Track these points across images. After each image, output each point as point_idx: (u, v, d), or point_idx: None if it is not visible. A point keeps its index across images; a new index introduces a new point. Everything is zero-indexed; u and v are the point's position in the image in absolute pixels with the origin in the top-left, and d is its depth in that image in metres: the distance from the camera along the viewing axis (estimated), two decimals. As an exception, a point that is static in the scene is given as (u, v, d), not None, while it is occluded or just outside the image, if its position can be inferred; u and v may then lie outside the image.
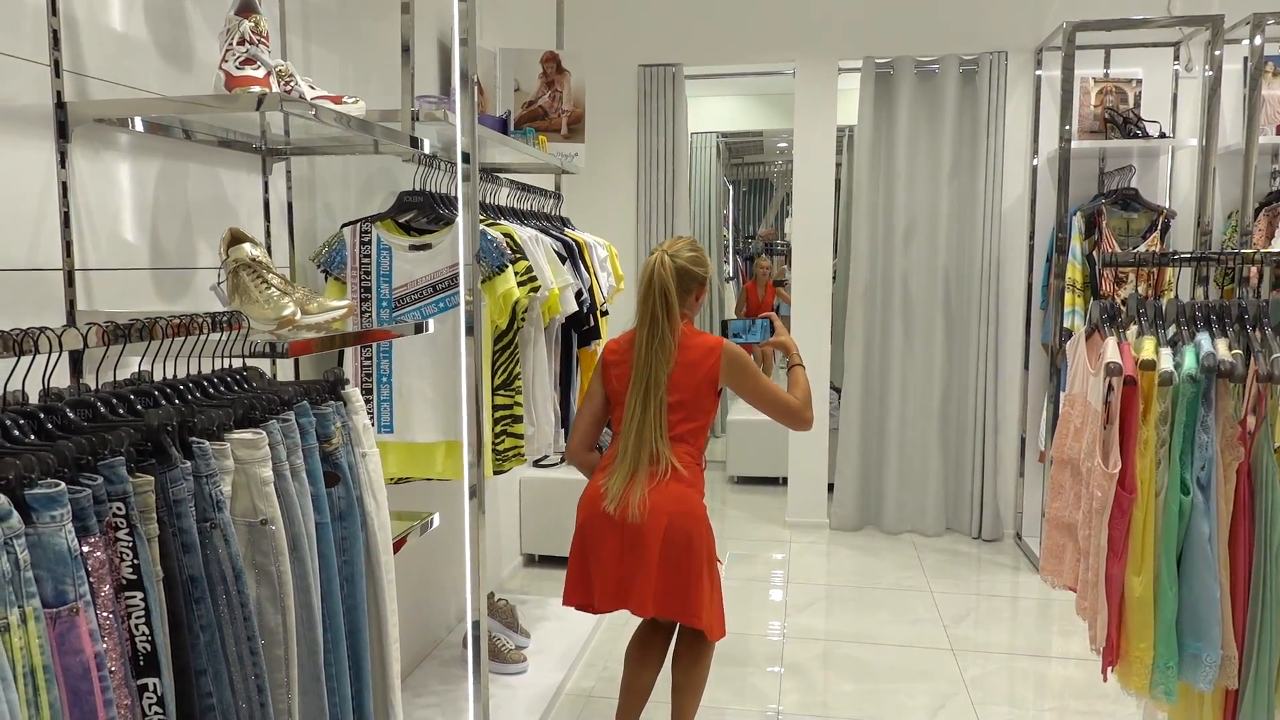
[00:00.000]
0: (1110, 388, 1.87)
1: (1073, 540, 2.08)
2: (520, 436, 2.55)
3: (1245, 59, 3.72)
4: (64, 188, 1.56)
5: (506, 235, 2.43)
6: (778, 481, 5.49)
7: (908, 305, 4.63)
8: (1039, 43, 4.33)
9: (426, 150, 2.21)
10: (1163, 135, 4.18)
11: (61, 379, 1.42)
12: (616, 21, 4.66)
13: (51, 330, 1.11)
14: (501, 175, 3.14)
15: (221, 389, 1.41)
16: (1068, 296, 4.02)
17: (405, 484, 2.48)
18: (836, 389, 4.95)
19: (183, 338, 1.32)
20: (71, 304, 1.57)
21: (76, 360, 1.51)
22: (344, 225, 2.34)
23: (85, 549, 1.01)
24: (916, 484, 4.67)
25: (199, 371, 1.40)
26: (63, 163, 1.55)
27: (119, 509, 1.06)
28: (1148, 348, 1.88)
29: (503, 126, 3.27)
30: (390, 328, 1.99)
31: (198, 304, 1.92)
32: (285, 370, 2.22)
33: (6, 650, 0.91)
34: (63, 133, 1.55)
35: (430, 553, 3.16)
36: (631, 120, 4.69)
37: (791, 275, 4.79)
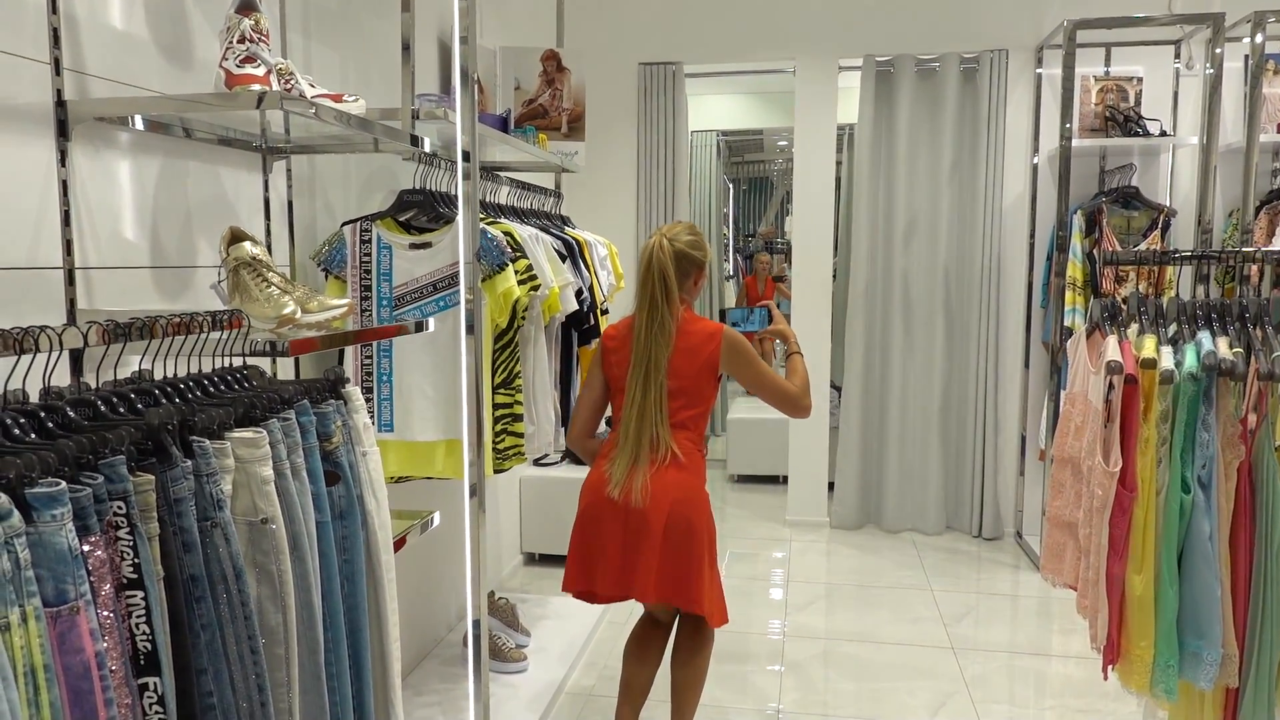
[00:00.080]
0: (1111, 386, 1.87)
1: (1073, 539, 2.08)
2: (520, 435, 2.55)
3: (1246, 57, 3.72)
4: (64, 186, 1.56)
5: (507, 234, 2.43)
6: (778, 480, 5.49)
7: (908, 303, 4.63)
8: (1040, 41, 4.33)
9: (427, 148, 2.20)
10: (1163, 133, 4.18)
11: (62, 378, 1.42)
12: (617, 20, 4.66)
13: (52, 329, 1.11)
14: (502, 174, 3.14)
15: (222, 388, 1.41)
16: (1068, 295, 4.02)
17: (405, 483, 2.48)
18: (837, 388, 4.95)
19: (183, 336, 1.32)
20: (72, 303, 1.57)
21: (77, 359, 1.51)
22: (344, 224, 2.34)
23: (86, 548, 1.01)
24: (917, 482, 4.67)
25: (199, 370, 1.40)
26: (63, 161, 1.55)
27: (119, 508, 1.06)
28: (1148, 346, 1.88)
29: (503, 125, 3.27)
30: (390, 326, 1.99)
31: (198, 302, 1.92)
32: (285, 369, 2.22)
33: (7, 649, 0.91)
34: (63, 131, 1.55)
35: (430, 551, 3.16)
36: (632, 118, 4.69)
37: (792, 273, 4.78)
